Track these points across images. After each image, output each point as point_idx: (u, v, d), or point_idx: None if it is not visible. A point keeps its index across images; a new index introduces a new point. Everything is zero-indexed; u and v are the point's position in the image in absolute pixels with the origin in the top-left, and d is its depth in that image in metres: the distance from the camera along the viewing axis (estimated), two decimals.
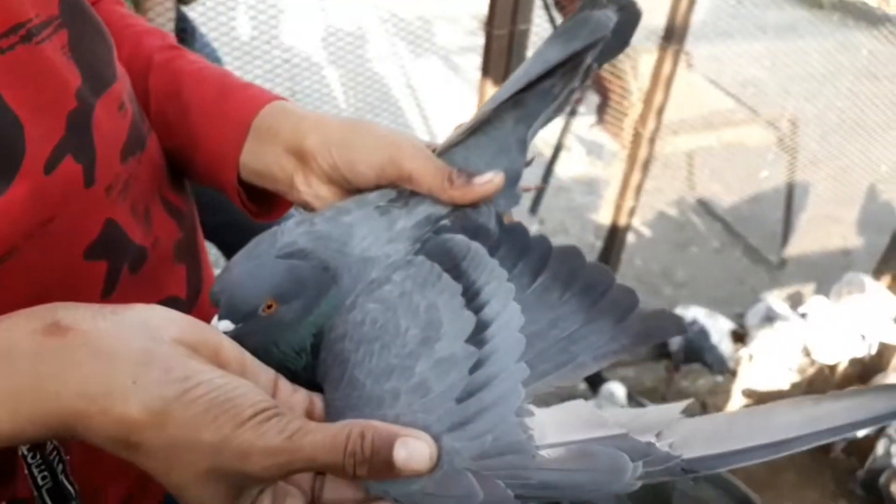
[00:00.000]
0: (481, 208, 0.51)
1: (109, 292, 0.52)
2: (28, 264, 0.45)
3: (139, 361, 0.37)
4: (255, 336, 0.45)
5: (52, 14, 0.47)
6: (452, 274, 0.46)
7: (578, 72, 0.51)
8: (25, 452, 0.50)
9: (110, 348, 0.37)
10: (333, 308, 0.46)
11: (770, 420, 0.40)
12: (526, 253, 0.47)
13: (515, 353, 0.43)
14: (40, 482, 0.51)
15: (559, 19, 2.39)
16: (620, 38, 0.52)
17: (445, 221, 0.50)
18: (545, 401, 0.44)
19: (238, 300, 0.44)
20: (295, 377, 0.46)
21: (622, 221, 1.91)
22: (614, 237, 1.95)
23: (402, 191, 0.52)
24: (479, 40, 1.61)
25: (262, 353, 0.45)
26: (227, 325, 0.44)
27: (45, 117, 0.44)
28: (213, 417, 0.36)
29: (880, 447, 2.08)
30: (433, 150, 0.52)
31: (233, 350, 0.42)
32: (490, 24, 1.54)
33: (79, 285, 0.49)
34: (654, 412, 0.41)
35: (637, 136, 1.78)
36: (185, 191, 0.66)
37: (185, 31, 1.65)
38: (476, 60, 1.68)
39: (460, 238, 0.48)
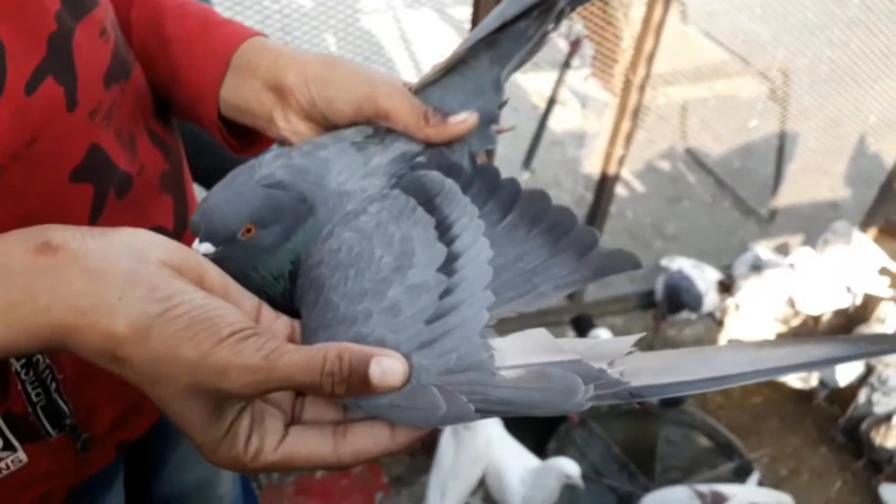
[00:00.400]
0: (455, 147, 0.53)
1: (97, 216, 0.53)
2: (15, 186, 0.46)
3: (126, 280, 0.38)
4: (235, 259, 0.47)
5: None
6: (426, 208, 0.48)
7: (552, 14, 0.52)
8: (19, 369, 0.52)
9: (99, 267, 0.38)
10: (310, 237, 0.48)
11: (715, 357, 0.43)
12: (496, 192, 0.49)
13: (483, 283, 0.45)
14: (34, 399, 0.53)
15: None
16: None
17: (421, 158, 0.52)
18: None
19: (218, 224, 0.46)
20: (273, 303, 0.48)
21: (611, 171, 1.92)
22: (603, 187, 1.96)
23: (378, 128, 0.53)
24: None
25: (242, 278, 0.47)
26: (207, 247, 0.46)
27: (26, 38, 0.45)
28: (192, 334, 0.37)
29: (862, 395, 2.13)
30: (409, 89, 0.53)
31: (217, 275, 0.43)
32: None
33: (66, 208, 0.51)
34: (609, 343, 0.43)
35: (627, 84, 1.78)
36: (171, 124, 0.67)
37: None
38: (468, 10, 1.67)
39: (435, 174, 0.50)
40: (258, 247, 0.47)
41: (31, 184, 0.48)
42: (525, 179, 2.91)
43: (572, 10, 0.54)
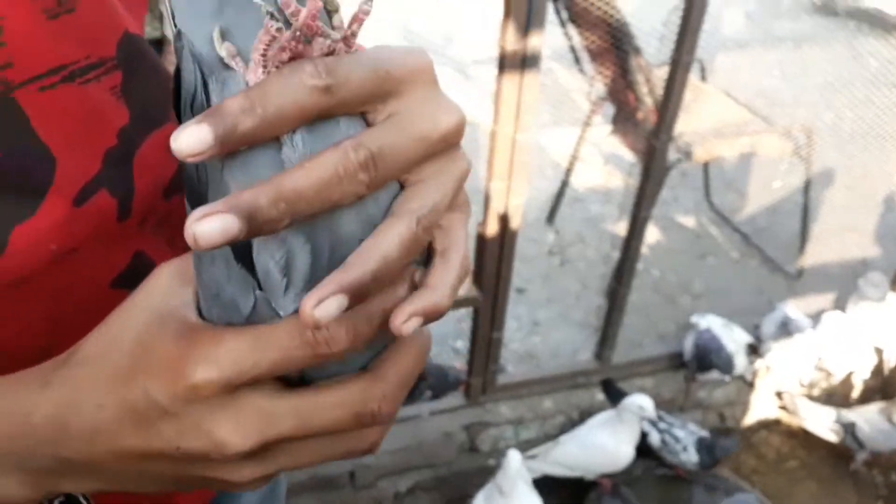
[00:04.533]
0: None
1: None
2: (50, 289, 0.46)
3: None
4: None
5: (107, 56, 0.47)
6: None
7: None
8: None
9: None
10: None
11: None
12: None
13: None
14: None
15: (575, 35, 2.41)
16: None
17: None
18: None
19: None
20: None
21: (637, 232, 1.91)
22: (629, 247, 1.96)
23: None
24: (492, 52, 1.64)
25: None
26: None
27: (80, 153, 0.45)
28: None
29: None
30: None
31: None
32: (503, 38, 1.56)
33: (103, 313, 0.51)
34: None
35: (651, 148, 1.79)
36: None
37: None
38: (489, 70, 1.71)
39: None
40: None
41: (69, 288, 0.47)
42: (551, 241, 2.91)
43: None
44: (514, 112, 1.63)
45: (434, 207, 0.34)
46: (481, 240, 1.82)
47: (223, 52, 0.30)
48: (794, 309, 2.25)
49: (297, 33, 0.30)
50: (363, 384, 0.35)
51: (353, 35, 0.32)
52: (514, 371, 2.22)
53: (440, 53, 3.72)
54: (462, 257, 0.36)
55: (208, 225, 0.29)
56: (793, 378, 2.22)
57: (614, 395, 2.01)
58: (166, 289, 0.37)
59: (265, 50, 0.30)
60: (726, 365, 2.13)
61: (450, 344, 2.42)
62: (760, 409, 2.29)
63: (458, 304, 1.87)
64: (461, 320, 2.38)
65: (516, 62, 1.58)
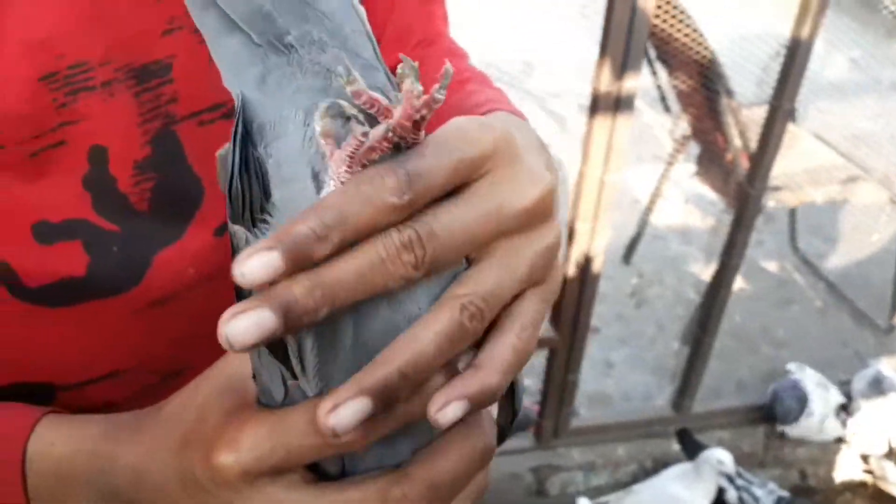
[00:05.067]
0: None
1: None
2: (183, 313, 0.48)
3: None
4: None
5: None
6: None
7: None
8: None
9: None
10: None
11: None
12: None
13: None
14: None
15: (663, 75, 2.37)
16: None
17: None
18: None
19: None
20: None
21: (727, 280, 1.85)
22: (716, 295, 1.90)
23: None
24: (575, 87, 1.62)
25: None
26: None
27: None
28: None
29: None
30: None
31: None
32: (597, 80, 1.54)
33: None
34: None
35: (744, 196, 1.74)
36: None
37: None
38: (571, 104, 1.69)
39: None
40: None
41: (199, 314, 0.48)
42: (627, 280, 2.85)
43: None
44: (604, 154, 1.61)
45: (492, 291, 0.31)
46: (562, 280, 1.79)
47: (318, 127, 0.30)
48: (888, 367, 2.14)
49: (390, 134, 0.29)
50: (381, 484, 0.32)
51: (424, 119, 0.30)
52: (586, 414, 2.18)
53: (517, 87, 3.71)
54: (520, 330, 0.33)
55: (242, 323, 0.28)
56: (882, 440, 2.10)
57: (690, 447, 1.94)
58: (242, 357, 0.37)
59: (353, 153, 0.29)
60: (786, 416, 2.06)
61: None
62: (846, 469, 2.18)
63: None
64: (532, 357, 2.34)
65: (609, 104, 1.56)
